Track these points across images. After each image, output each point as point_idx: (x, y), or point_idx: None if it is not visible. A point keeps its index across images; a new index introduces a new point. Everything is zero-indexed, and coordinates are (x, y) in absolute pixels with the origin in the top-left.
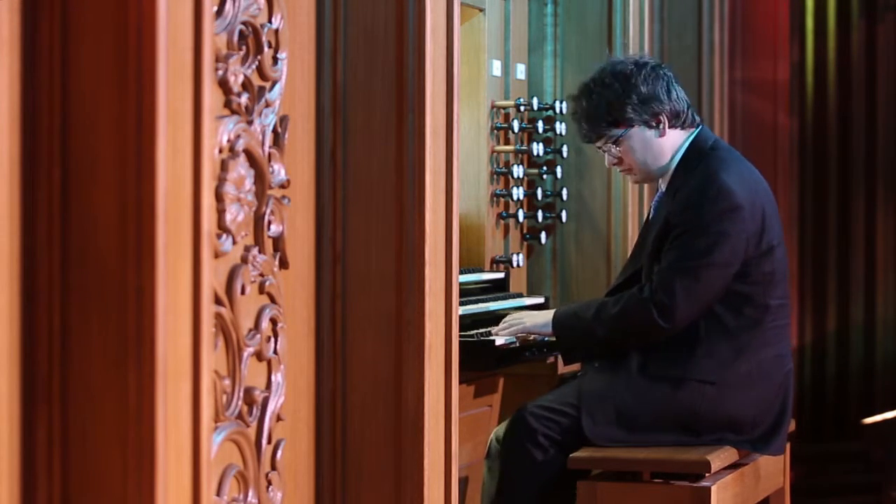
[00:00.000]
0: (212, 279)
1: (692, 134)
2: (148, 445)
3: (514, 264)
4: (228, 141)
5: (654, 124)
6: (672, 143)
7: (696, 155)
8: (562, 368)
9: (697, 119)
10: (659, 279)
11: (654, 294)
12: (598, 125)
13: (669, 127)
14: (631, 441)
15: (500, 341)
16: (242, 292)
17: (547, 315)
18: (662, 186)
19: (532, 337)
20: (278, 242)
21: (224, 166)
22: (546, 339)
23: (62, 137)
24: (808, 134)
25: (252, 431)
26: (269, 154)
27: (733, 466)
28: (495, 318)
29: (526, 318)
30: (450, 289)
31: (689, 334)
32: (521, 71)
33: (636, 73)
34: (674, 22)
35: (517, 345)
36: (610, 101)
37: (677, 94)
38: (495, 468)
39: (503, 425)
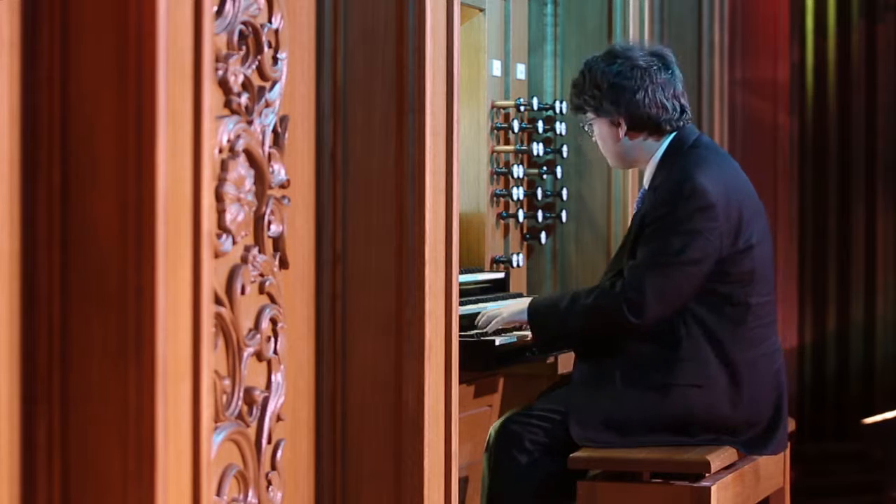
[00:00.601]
0: (212, 279)
1: (670, 135)
2: (148, 445)
3: (514, 264)
4: (228, 141)
5: (615, 123)
6: (635, 145)
7: (675, 152)
8: (562, 369)
9: (682, 123)
10: (630, 275)
11: (624, 290)
12: (573, 104)
13: (630, 130)
14: (623, 443)
15: (499, 341)
16: (242, 292)
17: (523, 304)
18: (646, 184)
19: (521, 325)
20: (278, 242)
21: (224, 166)
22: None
23: (62, 137)
24: (808, 134)
25: (252, 431)
26: (269, 154)
27: (733, 466)
28: None
29: (503, 310)
30: (450, 289)
31: (671, 338)
32: (521, 71)
33: (612, 71)
34: (674, 22)
35: (519, 343)
36: (584, 87)
37: (646, 102)
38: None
39: (502, 419)
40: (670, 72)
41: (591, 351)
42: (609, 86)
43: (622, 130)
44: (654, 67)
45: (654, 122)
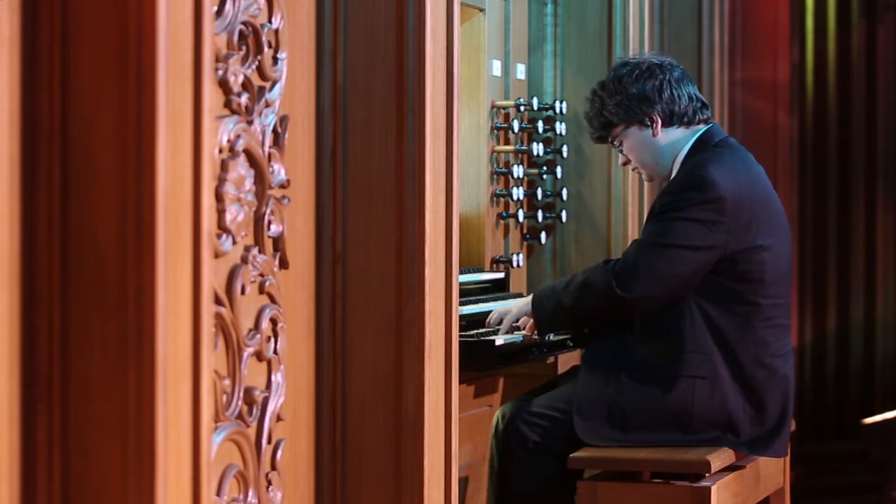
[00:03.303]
0: (212, 279)
1: (698, 131)
2: (148, 446)
3: (514, 264)
4: (228, 141)
5: (647, 123)
6: (670, 141)
7: (698, 150)
8: (562, 368)
9: (706, 116)
10: (625, 252)
11: (615, 264)
12: (596, 127)
13: (664, 126)
14: (624, 440)
15: (500, 341)
16: (242, 292)
17: (529, 298)
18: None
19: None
20: (278, 242)
21: (224, 166)
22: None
23: (62, 137)
24: (808, 134)
25: (252, 431)
26: (269, 154)
27: (733, 467)
28: None
29: (512, 308)
30: (450, 289)
31: (677, 331)
32: (521, 71)
33: (628, 74)
34: (674, 22)
35: (519, 343)
36: (603, 104)
37: (672, 94)
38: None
39: (507, 405)
40: (681, 70)
41: (595, 338)
42: (635, 88)
43: (657, 126)
44: (667, 65)
45: (684, 112)
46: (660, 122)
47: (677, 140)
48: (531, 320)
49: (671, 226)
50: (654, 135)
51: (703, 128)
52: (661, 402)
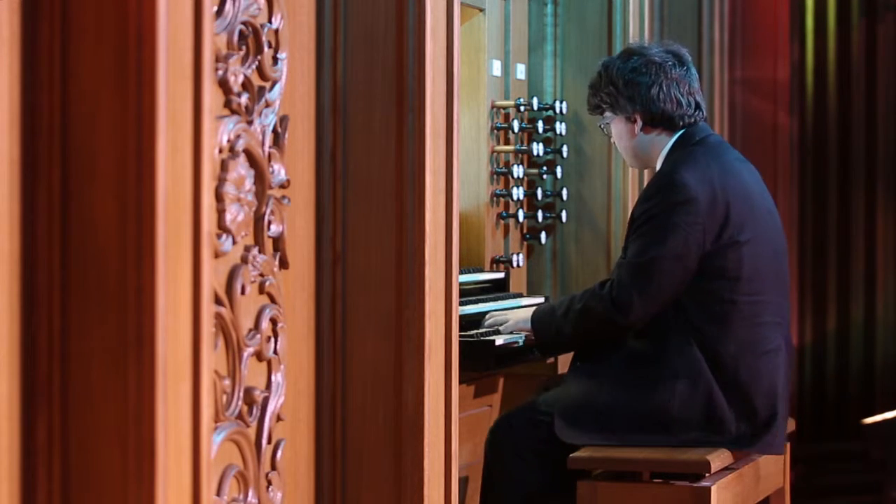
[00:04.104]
0: (212, 279)
1: (679, 132)
2: (148, 446)
3: (514, 264)
4: (228, 141)
5: (631, 119)
6: (651, 139)
7: (679, 149)
8: (562, 368)
9: (696, 119)
10: (616, 275)
11: (611, 290)
12: (591, 105)
13: (646, 125)
14: (606, 441)
15: (500, 341)
16: (242, 292)
17: (528, 312)
18: None
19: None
20: (278, 242)
21: (224, 166)
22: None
23: (62, 137)
24: (808, 134)
25: (252, 431)
26: (269, 154)
27: (733, 466)
28: None
29: (510, 316)
30: (450, 289)
31: (661, 333)
32: (521, 71)
33: (627, 68)
34: (674, 22)
35: (519, 344)
36: (599, 87)
37: (661, 97)
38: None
39: (498, 420)
40: (685, 68)
41: (588, 348)
42: (625, 82)
43: (637, 126)
44: (669, 63)
45: (668, 117)
46: (641, 123)
47: (659, 140)
48: (531, 335)
49: (653, 238)
50: (633, 133)
51: (682, 129)
52: (645, 403)
